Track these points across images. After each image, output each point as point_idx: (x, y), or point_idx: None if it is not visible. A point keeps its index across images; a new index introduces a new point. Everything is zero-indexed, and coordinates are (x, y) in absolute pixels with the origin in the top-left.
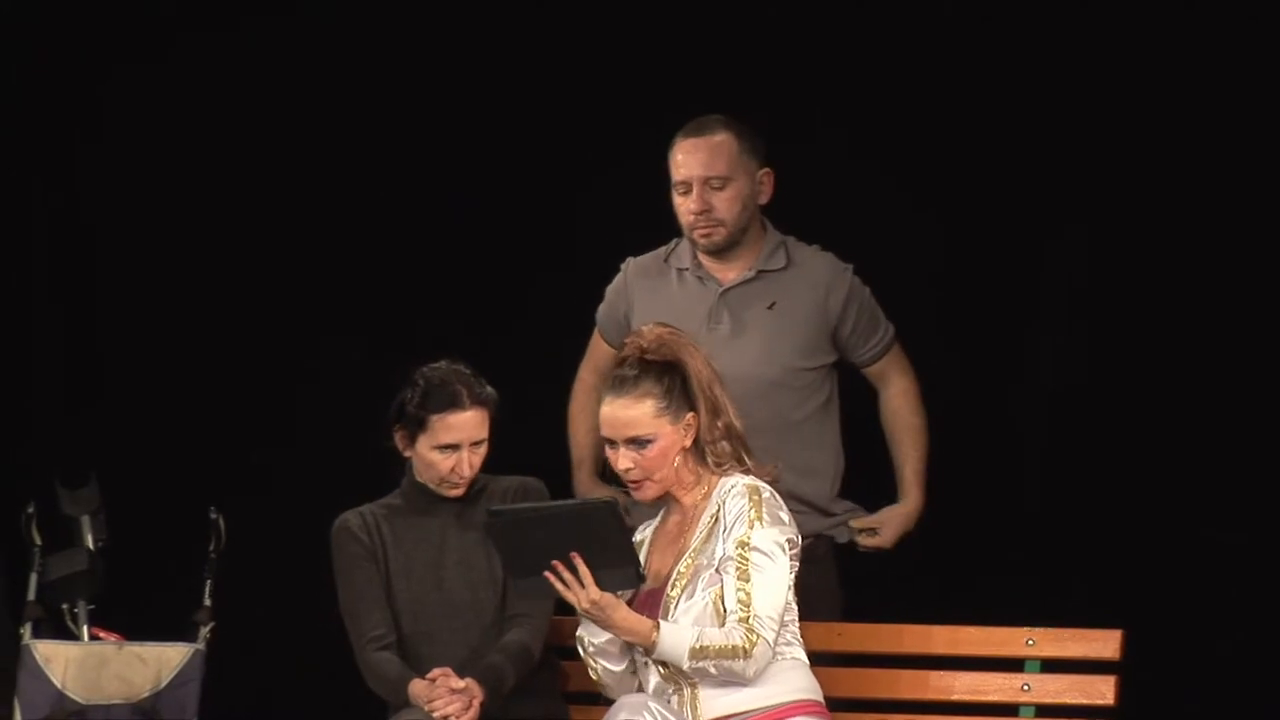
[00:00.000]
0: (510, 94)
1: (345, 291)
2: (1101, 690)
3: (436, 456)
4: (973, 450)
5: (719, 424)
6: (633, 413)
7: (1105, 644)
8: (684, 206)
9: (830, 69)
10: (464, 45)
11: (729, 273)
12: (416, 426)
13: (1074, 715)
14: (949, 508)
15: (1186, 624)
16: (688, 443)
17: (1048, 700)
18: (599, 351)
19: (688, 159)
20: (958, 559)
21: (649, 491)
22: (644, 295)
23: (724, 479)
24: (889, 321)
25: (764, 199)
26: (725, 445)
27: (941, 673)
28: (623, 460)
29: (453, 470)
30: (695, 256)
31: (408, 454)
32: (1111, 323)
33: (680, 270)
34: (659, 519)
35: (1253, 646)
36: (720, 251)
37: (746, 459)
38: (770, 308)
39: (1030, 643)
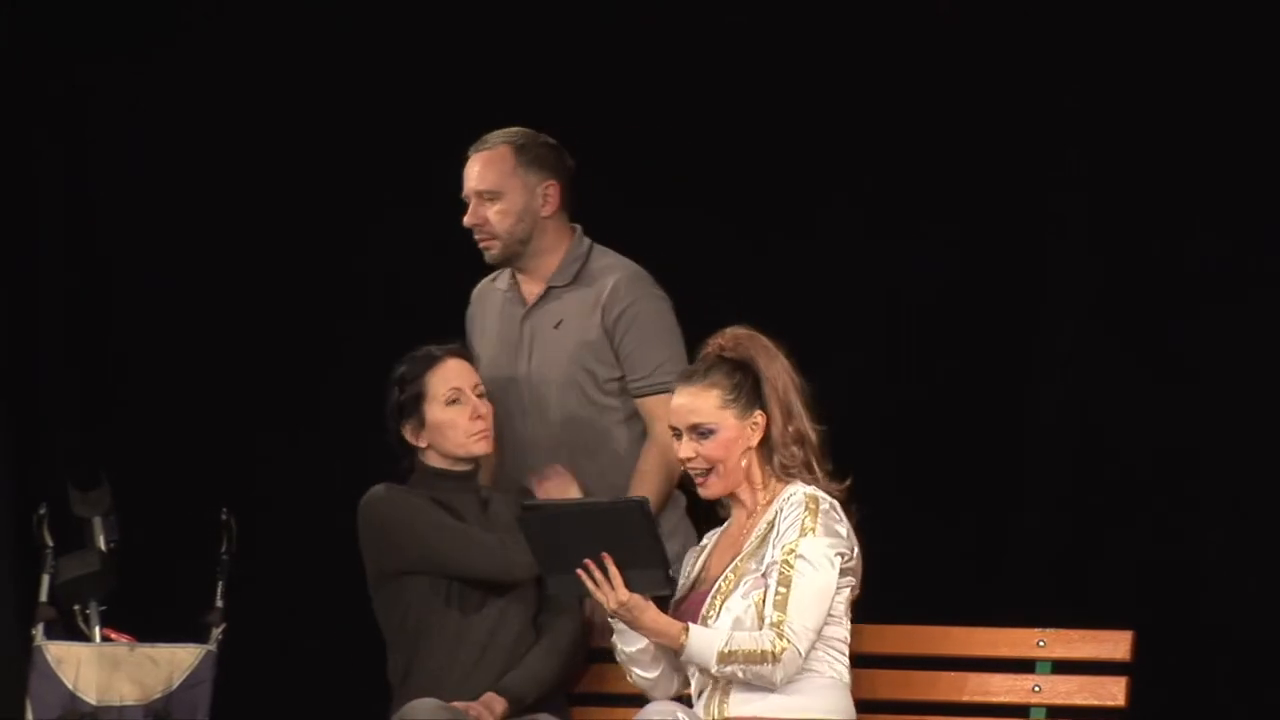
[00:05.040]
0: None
1: (360, 292)
2: (1112, 691)
3: (451, 413)
4: (984, 450)
5: (791, 428)
6: (698, 401)
7: (1116, 645)
8: (466, 219)
9: (826, 81)
10: (476, 29)
11: (532, 290)
12: (417, 401)
13: (1085, 716)
14: (960, 508)
15: (1197, 625)
16: (754, 442)
17: (1058, 701)
18: None
19: (467, 173)
20: (968, 559)
21: (714, 488)
22: (476, 322)
23: (788, 487)
24: (673, 370)
25: (547, 211)
26: (796, 450)
27: (952, 674)
28: (685, 449)
29: (471, 418)
30: (512, 276)
31: (425, 444)
32: (1123, 323)
33: (501, 292)
34: (726, 524)
35: (1264, 648)
36: (503, 264)
37: (816, 468)
38: (557, 327)
39: (1041, 644)
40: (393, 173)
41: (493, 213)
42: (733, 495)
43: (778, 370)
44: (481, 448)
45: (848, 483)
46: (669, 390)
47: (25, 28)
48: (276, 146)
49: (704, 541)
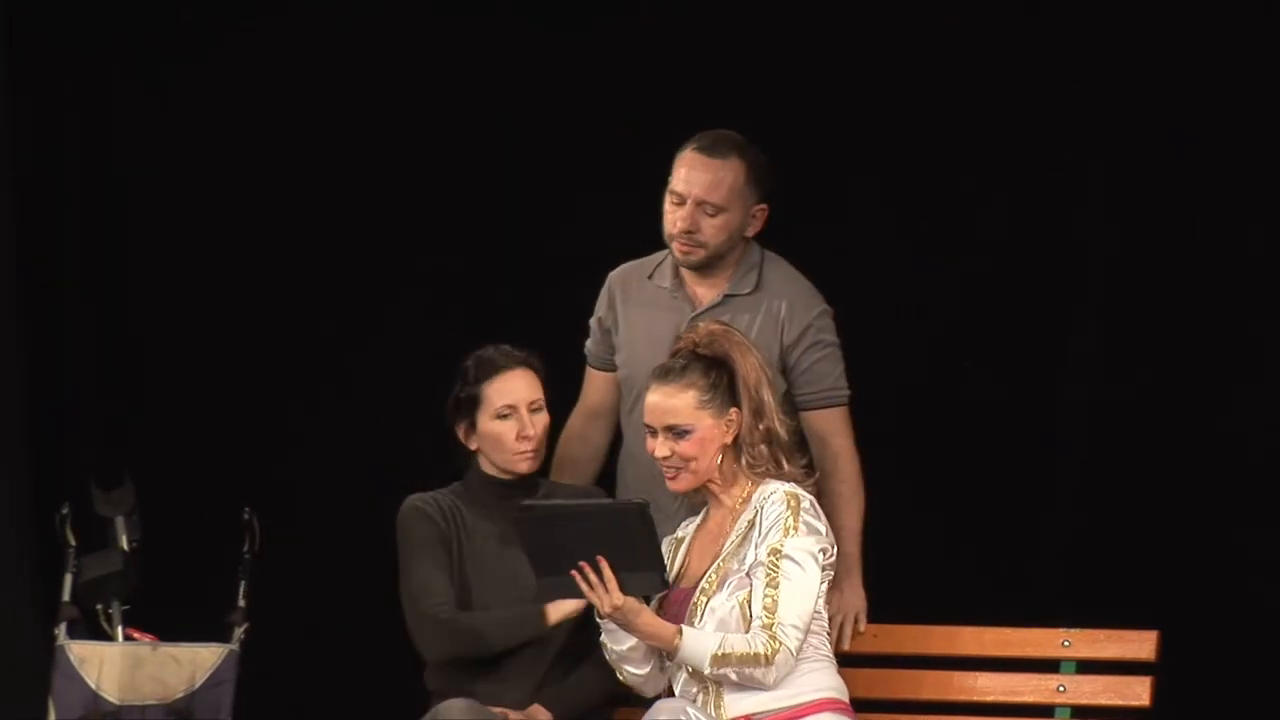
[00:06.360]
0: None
1: (380, 293)
2: (1137, 691)
3: (500, 427)
4: (1009, 451)
5: (760, 426)
6: (674, 401)
7: (1141, 645)
8: (672, 215)
9: (853, 82)
10: (476, 32)
11: (704, 294)
12: (472, 406)
13: (1110, 716)
14: (986, 508)
15: (1222, 625)
16: (728, 439)
17: (1083, 701)
18: (590, 389)
19: (691, 175)
20: (993, 559)
21: (683, 482)
22: (628, 310)
23: (764, 484)
24: (849, 389)
25: (752, 232)
26: (763, 449)
27: (977, 674)
28: (660, 448)
29: (518, 436)
30: (676, 274)
31: (474, 446)
32: (1148, 323)
33: (665, 290)
34: (701, 517)
35: None
36: (694, 269)
37: (785, 464)
38: None
39: (1066, 643)
40: (412, 169)
41: (711, 225)
42: (708, 490)
43: (750, 366)
44: (525, 468)
45: (816, 477)
46: (846, 407)
47: (49, 31)
48: (289, 150)
49: (679, 534)
